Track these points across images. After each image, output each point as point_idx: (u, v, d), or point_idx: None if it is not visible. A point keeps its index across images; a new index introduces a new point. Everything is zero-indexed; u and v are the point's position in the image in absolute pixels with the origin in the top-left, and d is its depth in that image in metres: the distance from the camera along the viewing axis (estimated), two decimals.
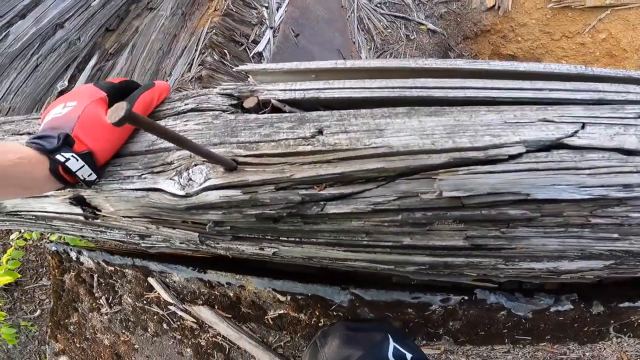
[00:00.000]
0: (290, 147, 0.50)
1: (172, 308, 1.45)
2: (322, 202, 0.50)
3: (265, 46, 2.66)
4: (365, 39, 3.25)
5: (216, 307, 1.39)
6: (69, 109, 0.57)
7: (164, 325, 1.50)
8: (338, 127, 0.50)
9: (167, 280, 1.47)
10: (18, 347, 2.31)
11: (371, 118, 0.49)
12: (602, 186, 0.41)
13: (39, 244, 2.31)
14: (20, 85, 1.59)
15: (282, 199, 0.50)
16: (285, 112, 0.57)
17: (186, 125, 0.60)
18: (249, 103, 0.58)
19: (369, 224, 0.51)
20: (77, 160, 0.53)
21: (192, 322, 1.44)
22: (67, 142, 0.53)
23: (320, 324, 1.22)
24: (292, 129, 0.51)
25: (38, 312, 2.28)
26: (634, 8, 3.08)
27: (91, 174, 0.56)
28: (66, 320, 1.73)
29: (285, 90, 0.57)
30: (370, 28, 3.30)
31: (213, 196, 0.51)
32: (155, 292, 1.49)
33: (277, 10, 2.96)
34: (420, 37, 3.35)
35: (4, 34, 1.57)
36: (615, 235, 0.46)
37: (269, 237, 0.62)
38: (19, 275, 2.17)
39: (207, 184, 0.52)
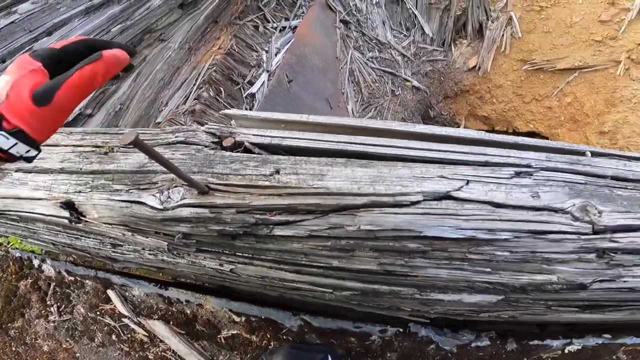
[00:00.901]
0: (253, 181, 0.64)
1: (126, 320, 1.50)
2: (271, 226, 0.63)
3: (259, 88, 2.89)
4: (354, 90, 3.53)
5: (171, 322, 1.45)
6: (1, 84, 0.51)
7: (113, 337, 1.53)
8: (291, 169, 0.64)
9: (127, 293, 1.53)
10: None
11: (317, 165, 0.64)
12: (473, 229, 0.56)
13: None
14: None
15: (240, 220, 0.63)
16: (254, 152, 0.72)
17: (173, 154, 0.74)
18: (227, 142, 0.72)
19: (307, 247, 0.64)
20: (8, 138, 0.49)
21: (144, 335, 1.48)
22: None
23: (269, 347, 1.30)
24: (256, 167, 0.66)
25: None
26: (600, 70, 3.41)
27: (29, 150, 0.51)
28: (9, 325, 1.73)
29: (257, 135, 0.72)
30: (359, 81, 3.59)
31: (186, 212, 0.64)
32: (111, 304, 1.55)
33: (276, 55, 3.24)
34: (405, 94, 3.65)
35: (27, 48, 1.72)
36: (488, 270, 0.60)
37: (227, 251, 0.74)
38: None
39: (183, 202, 0.64)
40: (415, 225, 0.57)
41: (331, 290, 0.84)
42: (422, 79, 3.79)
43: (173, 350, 1.39)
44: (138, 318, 1.42)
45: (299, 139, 0.70)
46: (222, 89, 2.74)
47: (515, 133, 3.62)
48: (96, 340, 1.53)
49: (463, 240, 0.57)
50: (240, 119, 0.83)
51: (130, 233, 0.75)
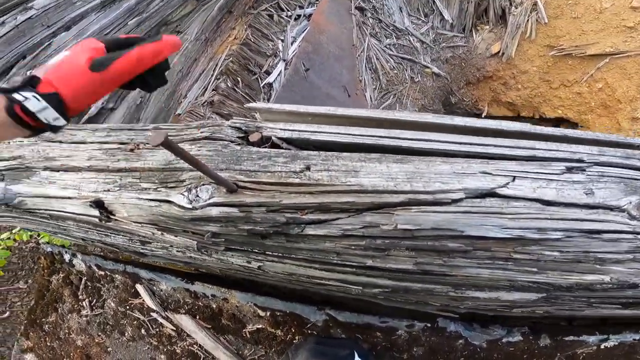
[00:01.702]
0: (283, 178, 0.61)
1: (154, 315, 1.52)
2: (302, 225, 0.61)
3: (276, 78, 2.85)
4: (372, 78, 3.45)
5: (198, 317, 1.46)
6: (59, 58, 0.54)
7: (142, 331, 1.56)
8: (322, 166, 0.61)
9: (154, 288, 1.55)
10: None
11: (350, 161, 0.61)
12: (521, 228, 0.52)
13: (24, 247, 2.34)
14: None
15: (271, 219, 0.61)
16: (282, 148, 0.69)
17: (199, 150, 0.72)
18: (253, 137, 0.70)
19: (339, 246, 0.61)
20: (39, 100, 0.49)
21: (171, 329, 1.50)
22: (30, 82, 0.50)
23: (294, 341, 1.30)
24: (285, 163, 0.63)
25: (7, 313, 2.25)
26: (633, 56, 3.22)
27: (58, 118, 0.51)
28: (43, 320, 1.78)
29: (284, 129, 0.70)
30: (377, 68, 3.51)
31: (215, 211, 0.62)
32: (140, 298, 1.57)
33: (292, 44, 3.18)
34: (424, 80, 3.55)
35: (47, 43, 1.72)
36: (535, 269, 0.57)
37: (256, 250, 0.73)
38: (2, 273, 2.17)
39: (212, 200, 0.63)
40: (457, 225, 0.54)
41: (361, 288, 0.81)
42: (442, 66, 3.67)
43: (199, 345, 1.40)
44: (166, 312, 1.45)
45: (328, 133, 0.67)
46: (239, 79, 2.72)
47: (542, 119, 3.47)
48: (126, 334, 1.56)
49: (509, 239, 0.54)
50: (265, 113, 0.80)
51: (159, 232, 0.74)
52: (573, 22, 3.28)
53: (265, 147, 0.70)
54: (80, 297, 1.73)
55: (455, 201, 0.55)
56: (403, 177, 0.58)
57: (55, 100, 0.51)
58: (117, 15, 1.96)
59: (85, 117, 1.86)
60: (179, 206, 0.65)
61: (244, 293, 1.31)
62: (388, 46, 3.63)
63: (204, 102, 2.46)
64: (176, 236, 0.75)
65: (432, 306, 0.99)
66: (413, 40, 3.70)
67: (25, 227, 1.28)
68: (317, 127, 0.69)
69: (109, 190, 0.73)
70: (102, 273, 1.64)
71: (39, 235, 2.04)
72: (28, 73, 0.50)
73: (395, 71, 3.55)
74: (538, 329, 1.04)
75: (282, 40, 3.15)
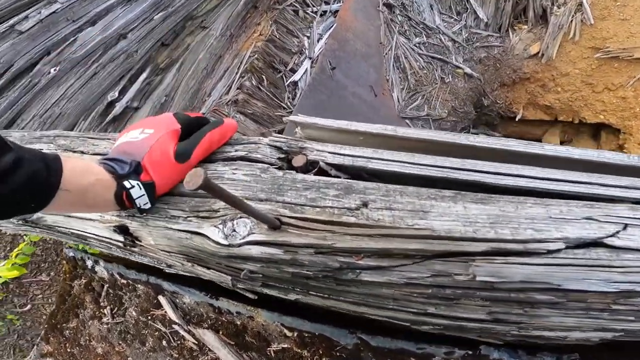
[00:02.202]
0: (335, 215, 0.52)
1: (176, 327, 1.47)
2: (357, 270, 0.51)
3: (302, 76, 2.75)
4: (400, 77, 3.31)
5: (221, 332, 1.40)
6: (145, 135, 0.59)
7: (163, 343, 1.51)
8: (383, 203, 0.51)
9: (177, 300, 1.49)
10: None
11: (417, 198, 0.51)
12: (630, 282, 0.42)
13: (47, 240, 2.33)
14: (75, 92, 1.70)
15: (321, 263, 0.51)
16: (331, 175, 0.59)
17: (234, 174, 0.63)
18: (297, 162, 0.60)
19: (399, 293, 0.52)
20: (140, 188, 0.55)
21: (193, 343, 1.45)
22: (136, 170, 0.55)
23: None
24: (337, 197, 0.53)
25: (29, 306, 2.25)
26: None
27: (147, 203, 0.57)
28: (64, 325, 1.75)
29: (334, 153, 0.60)
30: (405, 67, 3.36)
31: (255, 251, 0.53)
32: (162, 309, 1.51)
33: (318, 41, 3.07)
34: (455, 81, 3.38)
35: (72, 39, 1.68)
36: (632, 318, 0.47)
37: (297, 289, 0.64)
38: (25, 271, 2.16)
39: (250, 238, 0.54)
40: (554, 278, 0.44)
41: (408, 324, 0.72)
42: (475, 66, 3.49)
43: None
44: (188, 326, 1.39)
45: (388, 160, 0.57)
46: (264, 77, 2.63)
47: (582, 124, 3.26)
48: (147, 344, 1.52)
49: (613, 293, 0.43)
50: (308, 128, 0.71)
51: (189, 263, 0.66)
52: (621, 23, 3.06)
53: (311, 173, 0.61)
54: (101, 304, 1.70)
55: (551, 252, 0.45)
56: (485, 221, 0.47)
57: (151, 188, 0.57)
58: (142, 9, 1.91)
59: (111, 116, 1.81)
60: (213, 241, 0.57)
61: (270, 312, 1.23)
62: (417, 45, 3.47)
63: (229, 101, 2.39)
64: (208, 269, 0.66)
65: (475, 333, 0.90)
66: (444, 39, 3.53)
67: (58, 239, 1.24)
68: (374, 152, 0.59)
69: (134, 216, 0.65)
70: (124, 282, 1.60)
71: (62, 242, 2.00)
72: (132, 161, 0.55)
73: (425, 71, 3.39)
74: (590, 354, 0.93)
75: (308, 37, 3.05)
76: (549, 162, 0.53)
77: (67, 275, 1.82)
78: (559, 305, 0.49)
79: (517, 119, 3.50)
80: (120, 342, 1.61)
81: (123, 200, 0.55)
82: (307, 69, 2.88)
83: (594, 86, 3.21)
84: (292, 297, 0.76)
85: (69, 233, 0.92)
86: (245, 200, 0.55)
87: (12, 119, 1.53)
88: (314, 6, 3.30)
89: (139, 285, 1.56)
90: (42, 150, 0.50)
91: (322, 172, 0.61)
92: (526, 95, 3.45)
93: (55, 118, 1.66)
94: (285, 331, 1.26)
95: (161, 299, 1.50)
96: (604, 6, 3.18)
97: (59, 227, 0.87)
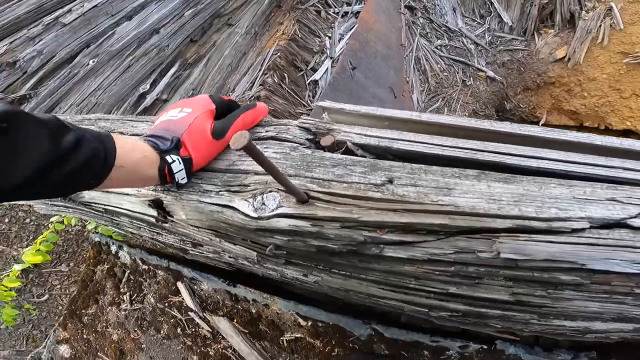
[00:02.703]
0: (361, 191, 0.54)
1: (191, 314, 1.50)
2: (381, 245, 0.53)
3: (322, 75, 2.79)
4: (420, 79, 3.30)
5: (235, 320, 1.42)
6: (184, 114, 0.63)
7: (178, 330, 1.54)
8: (408, 180, 0.53)
9: (195, 287, 1.53)
10: (10, 328, 2.25)
11: (441, 176, 0.53)
12: None
13: (70, 230, 2.37)
14: (110, 84, 1.78)
15: (346, 236, 0.54)
16: (357, 155, 0.62)
17: (265, 151, 0.66)
18: (325, 141, 0.63)
19: (421, 270, 0.53)
20: (179, 163, 0.58)
21: (207, 331, 1.47)
22: (176, 146, 0.59)
23: (333, 354, 1.23)
24: (364, 174, 0.56)
25: (46, 296, 2.26)
26: None
27: (184, 178, 0.61)
28: (83, 311, 1.79)
29: (360, 134, 0.62)
30: (426, 69, 3.36)
31: (283, 223, 0.56)
32: (179, 296, 1.55)
33: (339, 41, 3.11)
34: (477, 84, 3.35)
35: (110, 32, 1.76)
36: None
37: (320, 267, 0.66)
38: (50, 258, 2.18)
39: (279, 211, 0.56)
40: (580, 257, 0.45)
41: (427, 310, 0.73)
42: (498, 69, 3.45)
43: (233, 348, 1.37)
44: (204, 313, 1.42)
45: (413, 142, 0.59)
46: (286, 75, 2.68)
47: (608, 130, 3.18)
48: (162, 332, 1.56)
49: (637, 275, 0.44)
50: (335, 113, 0.73)
51: (217, 239, 0.69)
52: None
53: (338, 152, 0.63)
54: (121, 290, 1.74)
55: (576, 231, 0.46)
56: (509, 199, 0.49)
57: (188, 163, 0.61)
58: (174, 5, 1.98)
59: (142, 107, 1.89)
60: (243, 214, 0.60)
61: (286, 301, 1.26)
62: (439, 47, 3.46)
63: (251, 97, 2.44)
64: (235, 245, 0.69)
65: (492, 327, 0.90)
66: (467, 42, 3.51)
67: (88, 219, 1.30)
68: (400, 133, 0.61)
69: (169, 190, 0.69)
70: (146, 267, 1.65)
71: (86, 221, 2.06)
72: (173, 137, 0.59)
73: (446, 73, 3.38)
74: (607, 353, 0.92)
75: (330, 37, 3.09)
76: (571, 148, 0.54)
77: (91, 261, 1.88)
78: (582, 288, 0.49)
79: (540, 124, 3.44)
80: (136, 329, 1.66)
81: (165, 175, 0.58)
82: (328, 68, 2.91)
83: (621, 92, 3.12)
84: (311, 279, 0.79)
85: (103, 210, 0.97)
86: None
87: (51, 107, 1.62)
88: (335, 7, 3.33)
89: (160, 271, 1.60)
90: (92, 129, 0.54)
91: (348, 152, 0.63)
92: (550, 100, 3.38)
93: (91, 107, 1.74)
94: (300, 320, 1.28)
95: (180, 285, 1.55)
96: (634, 11, 3.10)
97: (96, 203, 0.92)
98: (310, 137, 0.68)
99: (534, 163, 0.52)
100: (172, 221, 0.76)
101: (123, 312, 1.70)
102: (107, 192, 0.85)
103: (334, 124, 0.68)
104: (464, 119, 0.62)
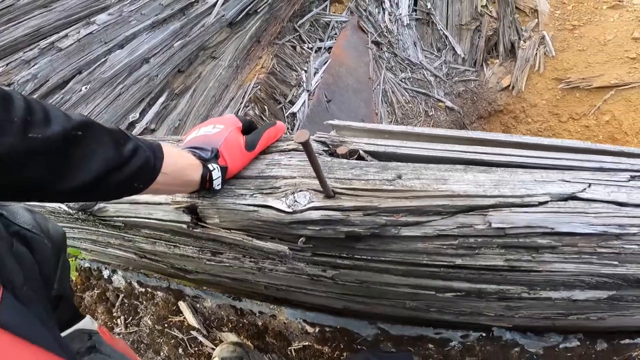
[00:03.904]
0: (377, 185, 0.68)
1: (194, 333, 1.52)
2: (399, 227, 0.67)
3: (300, 107, 2.99)
4: (388, 111, 3.60)
5: (241, 335, 1.47)
6: (217, 129, 0.73)
7: (179, 350, 1.55)
8: (413, 175, 0.69)
9: (198, 305, 1.56)
10: None
11: (437, 171, 0.69)
12: (604, 225, 0.59)
13: None
14: (101, 111, 1.84)
15: (370, 221, 0.67)
16: (367, 160, 0.77)
17: (290, 160, 0.79)
18: (341, 150, 0.78)
19: (432, 246, 0.67)
20: (218, 171, 0.68)
21: (212, 348, 1.50)
22: (216, 156, 0.68)
23: (342, 357, 1.31)
24: (377, 172, 0.71)
25: None
26: (637, 87, 3.35)
27: (219, 184, 0.69)
28: None
29: (369, 144, 0.78)
30: (393, 101, 3.67)
31: (315, 214, 0.69)
32: (180, 316, 1.58)
33: (314, 75, 3.36)
34: (438, 114, 3.70)
35: (103, 59, 1.84)
36: (616, 262, 0.63)
37: (344, 254, 0.78)
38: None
39: (311, 205, 0.69)
40: (548, 222, 0.61)
41: (433, 292, 0.86)
42: (455, 99, 3.85)
43: None
44: (208, 330, 1.45)
45: (412, 147, 0.75)
46: (266, 107, 2.85)
47: None
48: (162, 353, 1.55)
49: (594, 235, 0.60)
50: (344, 130, 0.88)
51: (249, 238, 0.80)
52: (579, 54, 3.47)
53: (352, 159, 0.78)
54: (114, 314, 1.72)
55: (542, 203, 0.62)
56: (490, 184, 0.65)
57: (225, 171, 0.70)
58: (164, 37, 2.11)
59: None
60: (279, 210, 0.72)
61: (293, 309, 1.33)
62: (403, 80, 3.82)
63: None
64: (266, 242, 0.80)
65: (486, 316, 1.04)
66: (427, 74, 3.90)
67: (96, 238, 1.32)
68: (400, 142, 0.77)
69: (204, 196, 0.80)
70: (143, 290, 1.66)
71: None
72: (213, 148, 0.69)
73: (410, 105, 3.71)
74: (593, 334, 1.07)
75: (306, 71, 3.33)
76: (527, 147, 0.72)
77: (79, 287, 1.84)
78: (557, 250, 0.65)
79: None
80: None
81: (206, 181, 0.66)
82: (305, 101, 3.12)
83: (559, 116, 3.57)
84: (329, 273, 0.90)
85: (122, 225, 1.03)
86: (304, 177, 0.72)
87: None
88: (309, 42, 3.62)
89: (159, 292, 1.62)
90: (144, 138, 0.64)
91: (360, 159, 0.78)
92: (501, 127, 3.79)
93: None
94: (307, 327, 1.35)
95: (181, 304, 1.57)
96: (563, 38, 3.60)
97: (118, 217, 0.99)
98: (326, 148, 0.82)
99: (503, 158, 0.70)
100: (204, 226, 0.86)
101: (117, 336, 1.67)
102: (137, 203, 0.93)
103: (345, 136, 0.83)
104: (447, 130, 0.80)
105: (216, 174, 0.68)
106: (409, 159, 0.75)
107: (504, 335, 1.06)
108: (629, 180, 0.65)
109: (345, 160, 0.76)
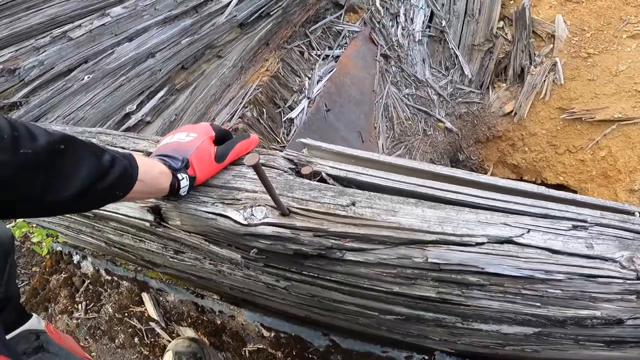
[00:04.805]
0: (331, 209, 0.71)
1: (152, 324, 1.54)
2: (344, 251, 0.70)
3: (298, 114, 3.03)
4: (387, 126, 3.63)
5: (199, 331, 1.49)
6: (190, 138, 0.76)
7: (135, 339, 1.57)
8: (366, 203, 0.71)
9: (161, 298, 1.59)
10: None
11: (390, 202, 0.71)
12: (531, 269, 0.62)
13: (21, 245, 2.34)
14: (99, 100, 1.88)
15: (317, 242, 0.70)
16: (329, 183, 0.80)
17: (255, 175, 0.82)
18: (305, 170, 0.80)
19: (372, 272, 0.70)
20: (187, 180, 0.71)
21: (167, 341, 1.52)
22: (186, 165, 0.71)
23: None
24: (334, 197, 0.73)
25: None
26: (639, 123, 3.29)
27: (186, 192, 0.73)
28: None
29: (333, 167, 0.81)
30: (393, 116, 3.70)
31: (268, 230, 0.72)
32: (142, 307, 1.60)
33: (318, 82, 3.40)
34: (436, 134, 3.73)
35: (110, 50, 1.88)
36: (538, 304, 0.66)
37: (292, 269, 0.81)
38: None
39: (266, 220, 0.72)
40: (479, 262, 0.64)
41: (377, 314, 0.89)
42: (455, 121, 3.88)
43: None
44: (167, 323, 1.47)
45: (372, 176, 0.78)
46: (264, 110, 2.89)
47: (544, 184, 3.61)
48: (117, 341, 1.57)
49: (520, 278, 0.63)
50: (314, 149, 0.91)
51: (207, 243, 0.83)
52: (588, 84, 3.43)
53: (315, 180, 0.81)
54: (77, 299, 1.73)
55: (478, 244, 0.65)
56: (435, 220, 0.68)
57: (192, 180, 0.73)
58: (173, 33, 2.15)
59: (125, 126, 1.99)
60: (235, 221, 0.75)
61: (252, 312, 1.36)
62: (406, 96, 3.85)
63: (230, 128, 2.61)
64: (222, 248, 0.83)
65: (432, 340, 1.07)
66: (431, 92, 3.93)
67: (69, 226, 1.36)
68: (362, 169, 0.80)
69: (168, 199, 0.83)
70: (109, 278, 1.68)
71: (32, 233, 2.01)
72: (183, 158, 0.72)
73: (410, 122, 3.74)
74: None
75: (309, 78, 3.37)
76: (482, 187, 0.75)
77: (47, 270, 1.86)
78: (485, 288, 0.68)
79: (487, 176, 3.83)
80: (87, 338, 1.65)
81: (174, 189, 0.70)
82: (304, 108, 3.16)
83: (557, 147, 3.57)
84: (282, 284, 0.93)
85: (91, 215, 1.07)
86: (265, 193, 0.75)
87: (39, 116, 1.69)
88: (318, 49, 3.66)
89: (124, 282, 1.64)
90: (117, 150, 0.67)
91: (322, 181, 0.81)
92: (497, 153, 3.81)
93: (77, 121, 1.82)
94: (264, 331, 1.38)
95: (144, 295, 1.59)
96: (575, 66, 3.56)
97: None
98: (292, 166, 0.85)
99: (454, 196, 0.72)
100: (166, 226, 0.89)
101: (75, 321, 1.69)
102: None
103: (312, 157, 0.86)
104: (407, 161, 0.83)
105: (184, 183, 0.72)
106: (367, 187, 0.78)
107: (444, 359, 1.10)
108: (570, 229, 0.68)
109: (306, 181, 0.79)
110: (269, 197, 0.75)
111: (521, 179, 3.71)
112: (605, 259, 0.63)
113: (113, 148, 0.97)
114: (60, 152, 0.52)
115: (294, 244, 0.72)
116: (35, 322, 0.91)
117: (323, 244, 0.70)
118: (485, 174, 3.87)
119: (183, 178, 0.71)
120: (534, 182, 3.66)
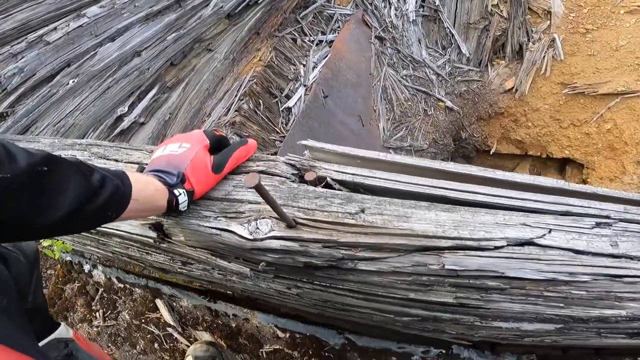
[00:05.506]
0: (339, 218, 0.67)
1: (170, 330, 1.54)
2: (356, 261, 0.67)
3: (296, 103, 2.95)
4: (386, 108, 3.56)
5: (215, 335, 1.49)
6: (184, 149, 0.71)
7: (155, 345, 1.57)
8: (376, 209, 0.68)
9: (174, 304, 1.58)
10: None
11: (401, 207, 0.68)
12: (554, 272, 0.59)
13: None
14: (88, 105, 1.82)
15: (327, 254, 0.67)
16: (335, 188, 0.76)
17: None
18: (309, 176, 0.76)
19: (386, 281, 0.67)
20: (184, 195, 0.68)
21: (186, 345, 1.52)
22: (182, 180, 0.68)
23: None
24: (341, 204, 0.70)
25: None
26: None
27: (185, 207, 0.70)
28: None
29: (338, 171, 0.77)
30: (392, 98, 3.62)
31: (275, 244, 0.68)
32: (157, 312, 1.59)
33: (313, 69, 3.31)
34: (437, 114, 3.66)
35: (92, 52, 1.81)
36: (562, 305, 0.63)
37: (303, 279, 0.78)
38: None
39: (272, 234, 0.69)
40: (499, 268, 0.60)
41: (392, 316, 0.86)
42: (456, 100, 3.79)
43: None
44: (183, 328, 1.48)
45: (380, 178, 0.74)
46: (261, 101, 2.82)
47: (549, 159, 3.56)
48: (138, 347, 1.58)
49: (542, 281, 0.60)
50: (317, 151, 0.87)
51: (213, 257, 0.80)
52: (588, 59, 3.39)
53: (319, 186, 0.77)
54: (94, 307, 1.74)
55: (497, 248, 0.62)
56: (450, 224, 0.64)
57: (191, 195, 0.70)
58: (157, 29, 2.07)
59: (118, 129, 1.94)
60: (240, 236, 0.71)
61: (265, 314, 1.35)
62: (404, 77, 3.76)
63: (227, 122, 2.55)
64: (229, 262, 0.80)
65: (448, 334, 1.05)
66: (429, 72, 3.83)
67: (75, 240, 1.34)
68: (369, 172, 0.76)
69: (169, 215, 0.79)
70: (122, 286, 1.67)
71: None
72: (179, 172, 0.68)
73: (410, 103, 3.66)
74: (547, 357, 1.10)
75: (304, 65, 3.28)
76: (498, 184, 0.71)
77: (60, 279, 1.86)
78: (505, 292, 0.65)
79: (491, 153, 3.78)
80: (110, 345, 1.66)
81: (172, 206, 0.67)
82: (301, 96, 3.09)
83: (561, 122, 3.52)
84: (294, 291, 0.91)
85: (94, 231, 1.04)
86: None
87: (27, 126, 1.64)
88: (311, 35, 3.55)
89: (137, 289, 1.64)
90: (108, 168, 0.63)
91: (328, 186, 0.77)
92: (500, 130, 3.75)
93: (68, 128, 1.77)
94: (279, 332, 1.38)
95: (158, 302, 1.59)
96: (574, 42, 3.51)
97: None
98: (295, 172, 0.81)
99: (469, 197, 0.69)
100: (170, 242, 0.85)
101: (95, 329, 1.70)
102: None
103: (315, 161, 0.81)
104: (417, 159, 0.79)
105: (182, 199, 0.68)
106: (376, 191, 0.74)
107: (462, 353, 1.09)
108: (593, 227, 0.64)
109: (311, 188, 0.75)
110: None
111: (526, 154, 3.66)
112: (631, 258, 0.60)
113: (105, 163, 0.93)
114: (43, 174, 0.49)
115: (303, 256, 0.68)
116: (64, 331, 0.90)
117: (334, 255, 0.66)
118: (489, 150, 3.81)
119: (180, 194, 0.68)
120: (539, 157, 3.61)
